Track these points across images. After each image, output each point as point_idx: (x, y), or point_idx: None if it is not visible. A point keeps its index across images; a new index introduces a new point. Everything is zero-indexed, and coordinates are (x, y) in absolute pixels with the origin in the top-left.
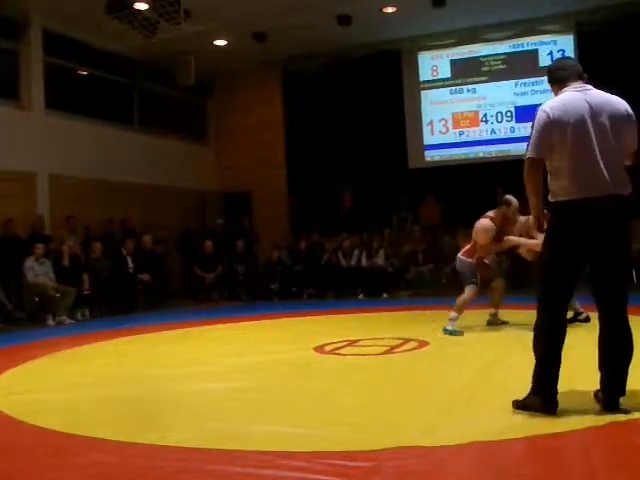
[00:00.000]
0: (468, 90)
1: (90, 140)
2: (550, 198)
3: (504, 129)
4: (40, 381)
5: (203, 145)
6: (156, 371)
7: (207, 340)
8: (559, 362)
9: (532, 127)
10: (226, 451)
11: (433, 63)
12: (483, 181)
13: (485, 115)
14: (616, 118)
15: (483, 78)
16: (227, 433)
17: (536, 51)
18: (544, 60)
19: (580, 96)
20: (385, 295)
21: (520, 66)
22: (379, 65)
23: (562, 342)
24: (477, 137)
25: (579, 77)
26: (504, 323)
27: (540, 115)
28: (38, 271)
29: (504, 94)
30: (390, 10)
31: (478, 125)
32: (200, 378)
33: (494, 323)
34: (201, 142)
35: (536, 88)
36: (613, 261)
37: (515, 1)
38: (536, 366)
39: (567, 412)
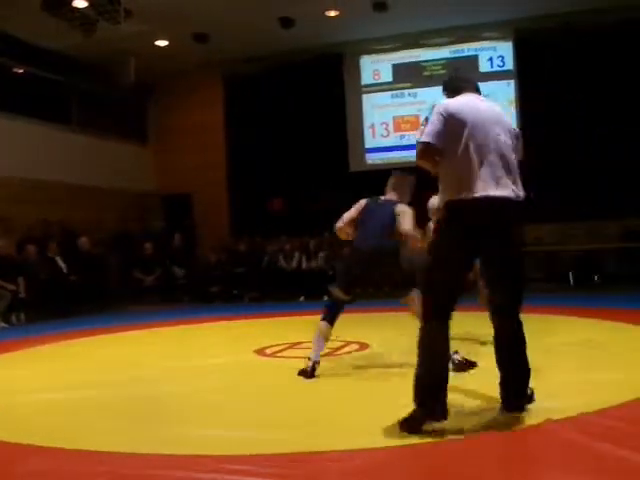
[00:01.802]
0: (409, 94)
1: (26, 140)
2: (443, 196)
3: None
4: None
5: (143, 146)
6: (91, 376)
7: (144, 344)
8: (445, 376)
9: (426, 120)
10: (166, 455)
11: (375, 67)
12: (422, 184)
13: (426, 119)
14: (510, 132)
15: (424, 83)
16: (166, 437)
17: (476, 57)
18: (484, 66)
19: (479, 100)
20: (326, 298)
21: (461, 71)
22: (321, 68)
23: (446, 352)
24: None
25: (476, 91)
26: None
27: (438, 108)
28: None
29: (445, 98)
30: (333, 14)
31: (419, 129)
32: (137, 383)
33: None
34: (141, 143)
35: None
36: (508, 264)
37: (456, 8)
38: (418, 379)
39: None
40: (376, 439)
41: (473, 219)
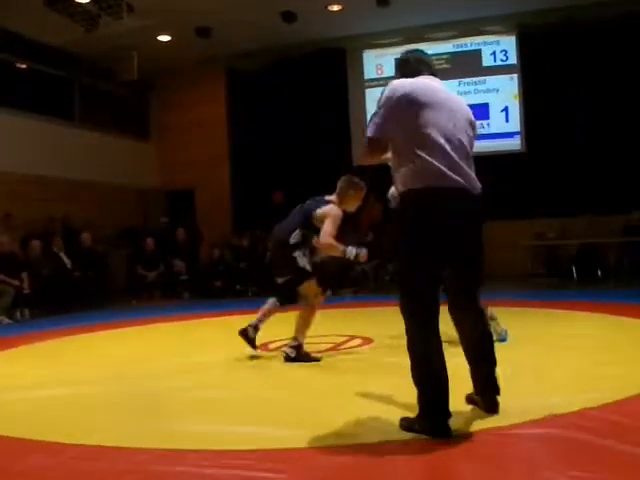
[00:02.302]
0: None
1: (29, 135)
2: (401, 187)
3: None
4: None
5: (145, 142)
6: (92, 372)
7: (146, 339)
8: (444, 380)
9: (379, 105)
10: (168, 450)
11: (378, 61)
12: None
13: None
14: (471, 122)
15: None
16: (168, 432)
17: (479, 51)
18: (487, 60)
19: (437, 83)
20: (329, 292)
21: (463, 66)
22: (324, 62)
23: (440, 356)
24: None
25: (429, 74)
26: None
27: (387, 91)
28: None
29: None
30: (335, 8)
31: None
32: (138, 378)
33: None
34: (143, 139)
35: (479, 87)
36: (472, 261)
37: (459, 2)
38: (419, 389)
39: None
40: (377, 435)
41: (434, 209)
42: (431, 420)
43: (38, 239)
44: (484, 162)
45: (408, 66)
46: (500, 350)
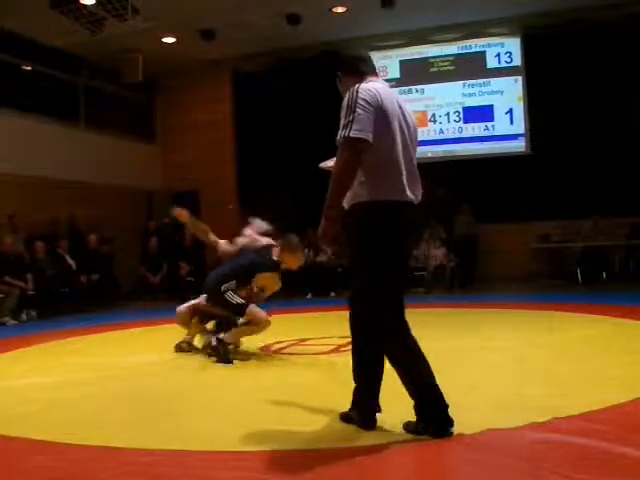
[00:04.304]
0: (417, 90)
1: (34, 137)
2: (364, 192)
3: (452, 129)
4: None
5: (150, 143)
6: (97, 373)
7: (149, 340)
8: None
9: (350, 107)
10: (174, 452)
11: (382, 63)
12: (430, 181)
13: (433, 115)
14: (414, 127)
15: (431, 79)
16: (175, 433)
17: (484, 53)
18: (492, 62)
19: (391, 91)
20: (333, 294)
21: (468, 67)
22: (328, 64)
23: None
24: (425, 137)
25: (376, 75)
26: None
27: (366, 94)
28: None
29: (452, 95)
30: (340, 10)
31: (426, 125)
32: (141, 379)
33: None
34: (148, 140)
35: (483, 89)
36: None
37: (463, 4)
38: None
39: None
40: (378, 437)
41: (398, 220)
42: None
43: (43, 241)
44: (489, 164)
45: (369, 65)
46: (506, 353)
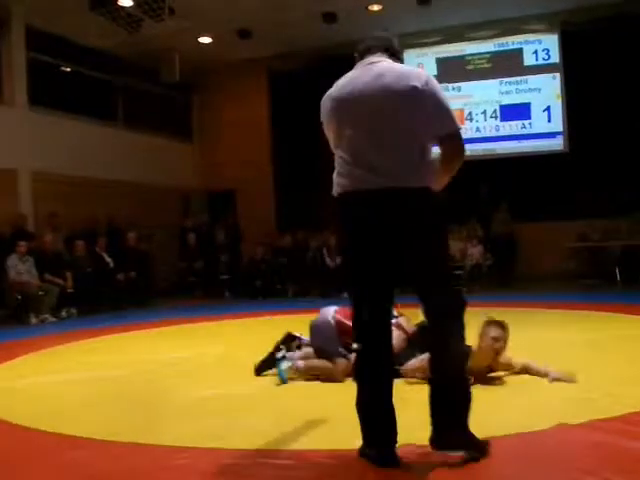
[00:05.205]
0: (453, 88)
1: (73, 137)
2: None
3: (489, 127)
4: (20, 380)
5: (187, 142)
6: (138, 369)
7: (182, 339)
8: (387, 406)
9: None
10: (211, 449)
11: (419, 61)
12: (468, 180)
13: (470, 113)
14: (398, 94)
15: (468, 76)
16: (212, 431)
17: (521, 50)
18: (529, 59)
19: (363, 72)
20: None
21: (505, 65)
22: None
23: (386, 380)
24: (463, 135)
25: (384, 51)
26: None
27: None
28: (21, 269)
29: (489, 93)
30: (376, 8)
31: (463, 123)
32: (184, 378)
33: None
34: (185, 139)
35: (521, 87)
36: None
37: (500, 0)
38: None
39: None
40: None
41: (355, 217)
42: (375, 448)
43: (82, 239)
44: (526, 163)
45: (360, 45)
46: (544, 353)
